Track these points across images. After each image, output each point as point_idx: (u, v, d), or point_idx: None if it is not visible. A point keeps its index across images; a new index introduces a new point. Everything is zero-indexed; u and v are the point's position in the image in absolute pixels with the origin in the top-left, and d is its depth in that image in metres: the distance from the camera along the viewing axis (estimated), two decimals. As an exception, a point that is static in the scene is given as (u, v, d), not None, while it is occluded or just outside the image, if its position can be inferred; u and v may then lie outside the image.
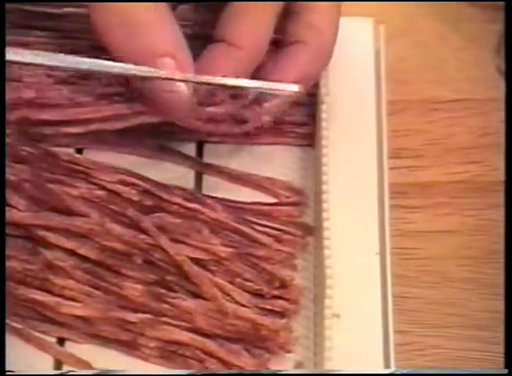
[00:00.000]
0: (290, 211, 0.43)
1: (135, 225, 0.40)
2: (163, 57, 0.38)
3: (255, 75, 0.41)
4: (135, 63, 0.38)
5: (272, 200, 0.44)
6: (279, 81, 0.40)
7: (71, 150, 0.44)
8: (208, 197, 0.43)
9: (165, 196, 0.42)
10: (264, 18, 0.40)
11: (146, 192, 0.42)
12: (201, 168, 0.45)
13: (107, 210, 0.41)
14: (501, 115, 0.47)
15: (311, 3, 0.41)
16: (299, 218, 0.44)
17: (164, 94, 0.39)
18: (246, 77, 0.41)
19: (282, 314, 0.41)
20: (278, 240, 0.42)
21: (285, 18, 0.42)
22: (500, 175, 0.45)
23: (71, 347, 0.40)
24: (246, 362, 0.40)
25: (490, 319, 0.43)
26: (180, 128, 0.43)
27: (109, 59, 0.39)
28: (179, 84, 0.39)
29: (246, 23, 0.40)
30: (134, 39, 0.38)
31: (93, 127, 0.43)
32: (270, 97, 0.41)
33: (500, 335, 0.41)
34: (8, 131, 0.41)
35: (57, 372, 0.40)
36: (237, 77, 0.40)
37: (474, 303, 0.44)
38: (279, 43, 0.42)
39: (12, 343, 0.40)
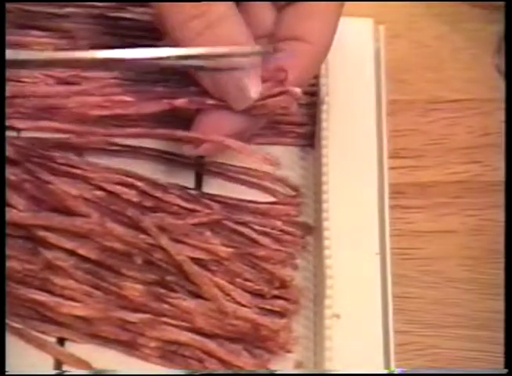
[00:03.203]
0: (288, 210, 0.43)
1: (135, 226, 0.40)
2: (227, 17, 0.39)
3: None
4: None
5: (271, 199, 0.44)
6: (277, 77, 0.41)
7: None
8: (208, 196, 0.43)
9: (165, 196, 0.42)
10: (331, 15, 0.41)
11: (145, 192, 0.42)
12: (201, 168, 0.45)
13: (107, 210, 0.41)
14: (501, 115, 0.47)
15: (312, 2, 0.41)
16: (297, 217, 0.44)
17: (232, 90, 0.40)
18: (317, 72, 0.43)
19: (282, 314, 0.41)
20: (278, 240, 0.42)
21: (282, 11, 0.42)
22: (500, 175, 0.45)
23: (71, 347, 0.40)
24: (246, 362, 0.40)
25: (490, 320, 0.43)
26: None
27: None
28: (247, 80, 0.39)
29: (316, 21, 0.41)
30: (209, 31, 0.39)
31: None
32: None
33: (500, 335, 0.41)
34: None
35: (57, 372, 0.40)
36: (310, 73, 0.42)
37: (474, 303, 0.44)
38: (273, 36, 0.42)
39: (12, 343, 0.40)
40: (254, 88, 0.39)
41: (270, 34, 0.42)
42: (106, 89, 0.42)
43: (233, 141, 0.40)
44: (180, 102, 0.40)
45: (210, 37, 0.38)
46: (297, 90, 0.40)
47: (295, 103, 0.41)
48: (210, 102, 0.40)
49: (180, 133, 0.42)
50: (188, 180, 0.44)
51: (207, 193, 0.43)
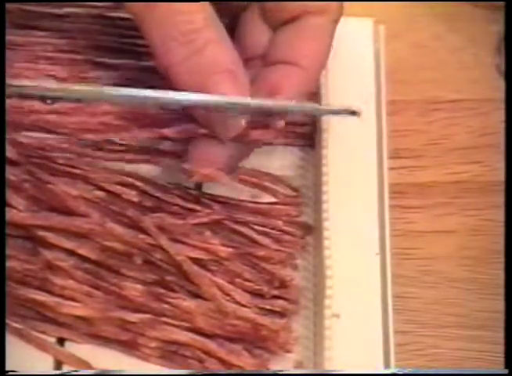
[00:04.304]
0: (289, 210, 0.43)
1: (136, 226, 0.40)
2: (222, 73, 0.38)
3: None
4: (194, 82, 0.38)
5: (271, 199, 0.44)
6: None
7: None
8: (208, 196, 0.43)
9: (165, 196, 0.42)
10: (324, 39, 0.41)
11: (145, 192, 0.42)
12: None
13: (107, 210, 0.41)
14: (501, 115, 0.47)
15: (306, 24, 0.41)
16: (297, 217, 0.44)
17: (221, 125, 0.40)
18: (306, 98, 0.41)
19: (282, 314, 0.41)
20: (278, 240, 0.42)
21: (276, 32, 0.41)
22: (500, 175, 0.45)
23: (71, 347, 0.40)
24: (247, 362, 0.40)
25: (490, 319, 0.43)
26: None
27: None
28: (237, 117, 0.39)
29: (309, 45, 0.41)
30: (195, 57, 0.38)
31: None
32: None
33: (500, 335, 0.41)
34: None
35: (57, 372, 0.40)
36: (301, 98, 0.40)
37: (474, 303, 0.44)
38: (265, 57, 0.42)
39: (12, 343, 0.40)
40: (242, 119, 0.39)
41: (263, 56, 0.41)
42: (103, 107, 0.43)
43: (219, 174, 0.40)
44: (171, 131, 0.41)
45: (195, 63, 0.38)
46: (281, 123, 0.40)
47: (278, 135, 0.41)
48: (202, 131, 0.40)
49: (174, 163, 0.42)
50: (188, 180, 0.44)
51: (207, 193, 0.43)
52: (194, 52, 0.38)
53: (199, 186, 0.44)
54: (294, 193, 0.44)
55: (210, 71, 0.38)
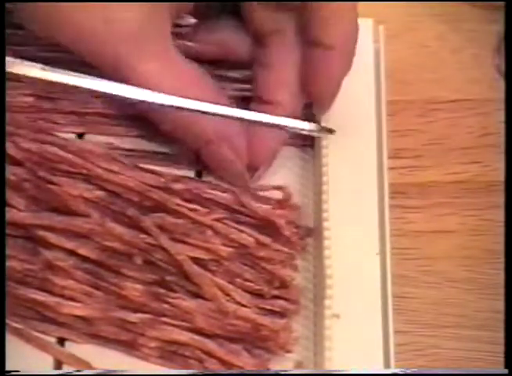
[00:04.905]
0: (289, 210, 0.43)
1: (136, 225, 0.40)
2: (216, 143, 0.41)
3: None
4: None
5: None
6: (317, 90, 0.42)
7: (72, 136, 0.44)
8: (208, 197, 0.43)
9: (165, 196, 0.42)
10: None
11: (146, 192, 0.42)
12: (201, 168, 0.45)
13: (107, 210, 0.41)
14: (501, 115, 0.47)
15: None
16: (298, 217, 0.44)
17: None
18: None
19: (282, 314, 0.41)
20: (278, 240, 0.42)
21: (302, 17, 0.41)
22: (500, 175, 0.45)
23: (71, 347, 0.40)
24: (247, 362, 0.40)
25: (490, 319, 0.43)
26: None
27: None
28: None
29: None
30: (182, 130, 0.41)
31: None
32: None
33: (500, 335, 0.41)
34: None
35: (57, 372, 0.40)
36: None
37: (474, 303, 0.44)
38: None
39: (12, 343, 0.40)
40: None
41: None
42: None
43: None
44: None
45: (183, 133, 0.42)
46: None
47: None
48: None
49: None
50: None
51: (207, 181, 0.43)
52: (179, 126, 0.41)
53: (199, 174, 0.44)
54: (290, 197, 0.44)
55: (201, 142, 0.42)
